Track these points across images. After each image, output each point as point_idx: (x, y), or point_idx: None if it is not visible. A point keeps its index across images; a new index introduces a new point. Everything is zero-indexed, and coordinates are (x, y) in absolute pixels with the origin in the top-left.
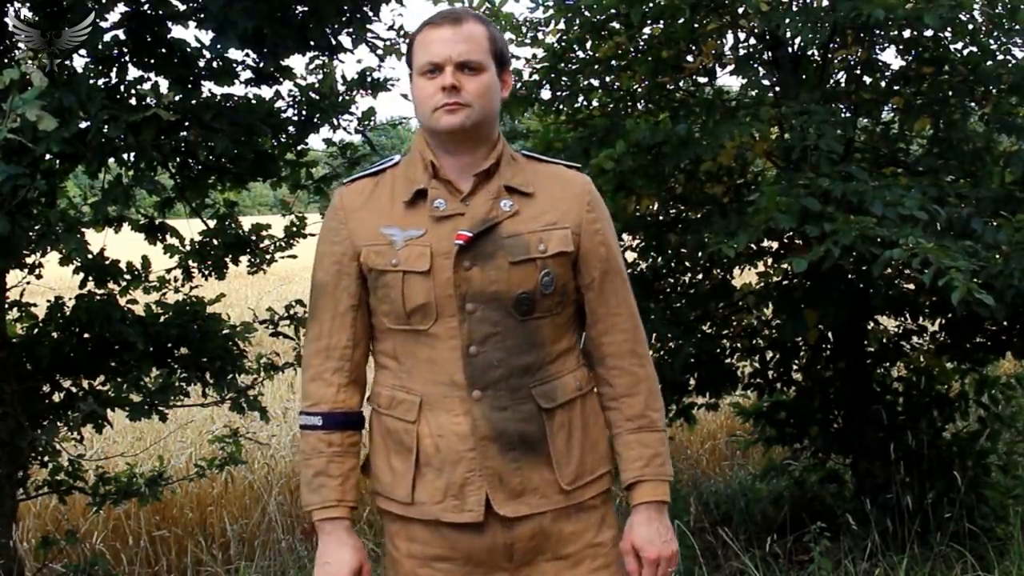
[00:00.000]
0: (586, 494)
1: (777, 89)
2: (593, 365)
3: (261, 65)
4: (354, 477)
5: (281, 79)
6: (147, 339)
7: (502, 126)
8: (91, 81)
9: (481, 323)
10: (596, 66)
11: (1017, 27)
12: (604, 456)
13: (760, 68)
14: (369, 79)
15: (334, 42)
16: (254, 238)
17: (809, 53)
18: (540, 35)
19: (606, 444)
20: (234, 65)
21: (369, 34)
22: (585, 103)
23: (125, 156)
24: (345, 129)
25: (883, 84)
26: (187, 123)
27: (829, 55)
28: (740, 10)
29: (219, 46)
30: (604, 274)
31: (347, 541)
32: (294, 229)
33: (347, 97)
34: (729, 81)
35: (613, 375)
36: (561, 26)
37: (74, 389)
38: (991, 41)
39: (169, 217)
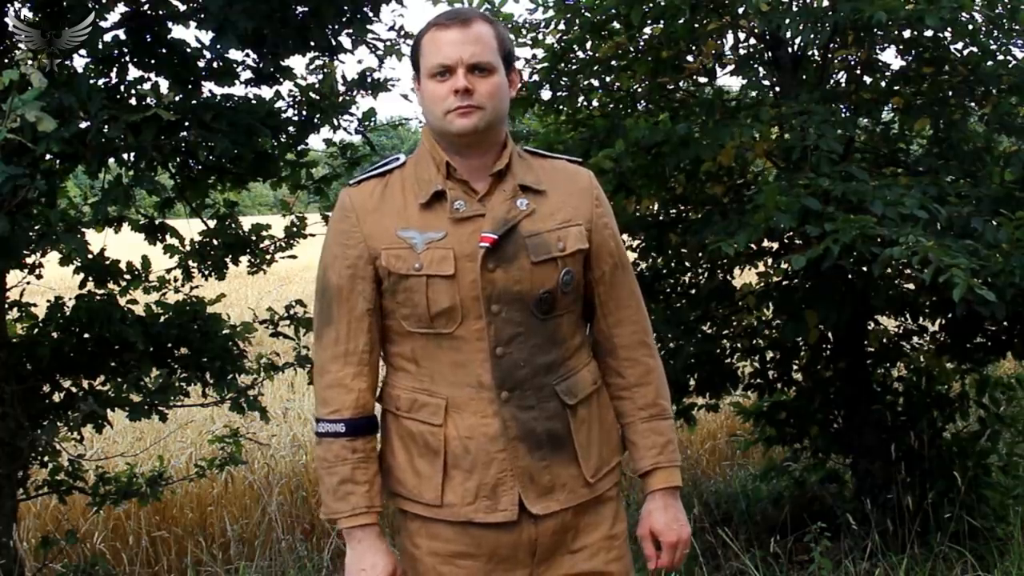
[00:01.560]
0: (605, 485)
1: (777, 89)
2: (602, 356)
3: (261, 65)
4: (378, 482)
5: (281, 79)
6: (147, 339)
7: None
8: (91, 81)
9: (506, 324)
10: (596, 66)
11: (1017, 27)
12: (616, 446)
13: (760, 68)
14: (369, 80)
15: (334, 42)
16: (254, 238)
17: (809, 53)
18: (540, 35)
19: (617, 434)
20: (234, 65)
21: (369, 35)
22: (585, 103)
23: (125, 156)
24: (345, 129)
25: (883, 84)
26: (187, 123)
27: (829, 55)
28: (740, 10)
29: (219, 46)
30: (614, 267)
31: (380, 547)
32: (294, 229)
33: (347, 97)
34: (729, 81)
35: (625, 366)
36: (561, 26)
37: (74, 389)
38: (991, 41)
39: (169, 217)
